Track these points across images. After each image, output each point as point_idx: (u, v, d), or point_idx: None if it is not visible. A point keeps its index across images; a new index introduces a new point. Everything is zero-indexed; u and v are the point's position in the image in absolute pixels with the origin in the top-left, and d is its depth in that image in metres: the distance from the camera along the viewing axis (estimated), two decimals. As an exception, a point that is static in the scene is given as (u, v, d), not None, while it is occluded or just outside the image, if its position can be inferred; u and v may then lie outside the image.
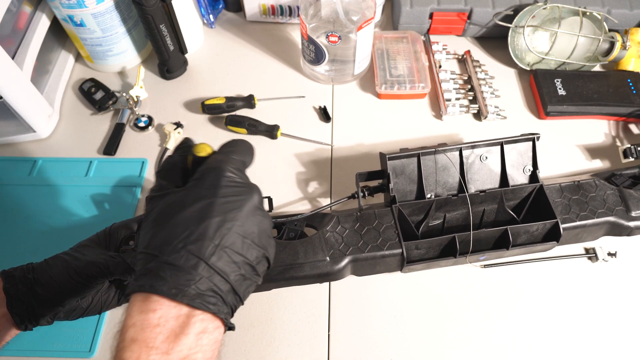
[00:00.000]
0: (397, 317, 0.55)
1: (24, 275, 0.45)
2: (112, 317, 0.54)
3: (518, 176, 0.57)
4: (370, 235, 0.52)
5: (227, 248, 0.32)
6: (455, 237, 0.51)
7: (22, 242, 0.59)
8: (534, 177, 0.57)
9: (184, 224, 0.31)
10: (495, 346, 0.54)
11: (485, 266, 0.58)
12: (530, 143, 0.57)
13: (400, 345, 0.53)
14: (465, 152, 0.56)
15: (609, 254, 0.59)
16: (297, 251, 0.50)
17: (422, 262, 0.52)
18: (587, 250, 0.60)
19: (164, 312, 0.30)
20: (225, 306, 0.32)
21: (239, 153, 0.37)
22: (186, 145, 0.38)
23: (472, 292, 0.57)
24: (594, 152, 0.69)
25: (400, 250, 0.51)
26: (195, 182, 0.34)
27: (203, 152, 0.37)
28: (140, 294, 0.30)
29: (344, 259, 0.50)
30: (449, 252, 0.52)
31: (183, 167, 0.37)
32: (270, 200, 0.59)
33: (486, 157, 0.57)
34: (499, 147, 0.57)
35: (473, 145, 0.56)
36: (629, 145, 0.66)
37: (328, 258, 0.50)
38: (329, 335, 0.54)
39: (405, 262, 0.51)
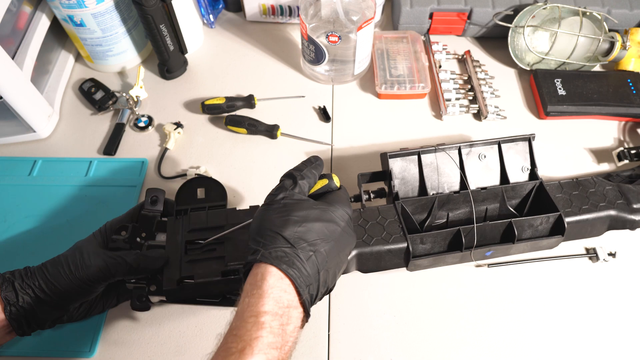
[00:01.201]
0: (397, 317, 0.55)
1: (22, 280, 0.44)
2: (112, 317, 0.54)
3: (517, 175, 0.58)
4: (374, 230, 0.51)
5: (330, 269, 0.41)
6: (460, 230, 0.51)
7: (22, 242, 0.59)
8: (533, 175, 0.58)
9: (316, 233, 0.40)
10: (496, 346, 0.54)
11: (489, 265, 0.58)
12: (527, 143, 0.58)
13: (400, 345, 0.53)
14: (464, 150, 0.57)
15: (609, 254, 0.59)
16: None
17: (429, 257, 0.51)
18: (587, 250, 0.60)
19: (291, 298, 0.37)
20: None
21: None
22: (320, 165, 0.48)
23: (472, 291, 0.57)
24: (593, 152, 0.69)
25: (405, 245, 0.50)
26: (330, 206, 0.43)
27: (338, 184, 0.48)
28: (276, 270, 0.37)
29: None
30: (455, 247, 0.52)
31: (315, 181, 0.47)
32: None
33: (485, 156, 0.58)
34: (496, 147, 0.58)
35: (471, 144, 0.57)
36: (622, 149, 0.66)
37: None
38: (329, 335, 0.54)
39: (411, 257, 0.50)
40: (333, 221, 0.42)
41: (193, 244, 0.50)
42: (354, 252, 0.50)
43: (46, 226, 0.60)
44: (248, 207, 0.53)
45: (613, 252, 0.59)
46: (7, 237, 0.59)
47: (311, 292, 0.39)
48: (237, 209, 0.54)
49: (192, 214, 0.52)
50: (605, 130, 0.72)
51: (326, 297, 0.56)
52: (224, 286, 0.48)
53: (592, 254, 0.59)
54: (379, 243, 0.50)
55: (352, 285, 0.57)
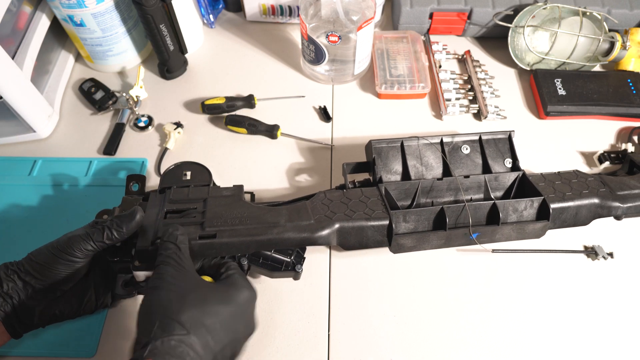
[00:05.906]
0: (397, 317, 0.55)
1: (7, 268, 0.44)
2: (112, 318, 0.54)
3: (500, 168, 0.59)
4: (357, 206, 0.51)
5: (226, 356, 0.39)
6: (443, 208, 0.51)
7: (22, 242, 0.59)
8: (515, 168, 0.59)
9: (216, 316, 0.38)
10: (496, 344, 0.54)
11: (494, 251, 0.58)
12: (507, 138, 0.60)
13: (400, 345, 0.53)
14: (446, 140, 0.59)
15: (608, 253, 0.59)
16: (281, 213, 0.49)
17: (412, 235, 0.50)
18: (586, 248, 0.60)
19: None
20: None
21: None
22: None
23: (473, 291, 0.57)
24: (593, 152, 0.69)
25: (387, 221, 0.49)
26: (230, 288, 0.41)
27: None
28: None
29: (330, 224, 0.49)
30: (440, 227, 0.51)
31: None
32: (252, 195, 0.59)
33: (467, 148, 0.59)
34: (478, 141, 0.59)
35: (453, 136, 0.59)
36: (602, 152, 0.67)
37: (313, 221, 0.49)
38: (329, 335, 0.54)
39: (393, 233, 0.49)
40: (236, 304, 0.39)
41: (173, 213, 0.49)
42: (335, 226, 0.49)
43: (46, 226, 0.60)
44: (232, 186, 0.54)
45: (611, 252, 0.59)
46: (7, 237, 0.59)
47: None
48: (221, 186, 0.54)
49: (175, 189, 0.52)
50: (605, 131, 0.72)
51: (326, 297, 0.56)
52: (201, 250, 0.47)
53: (590, 252, 0.59)
54: (361, 218, 0.49)
55: (351, 286, 0.57)
